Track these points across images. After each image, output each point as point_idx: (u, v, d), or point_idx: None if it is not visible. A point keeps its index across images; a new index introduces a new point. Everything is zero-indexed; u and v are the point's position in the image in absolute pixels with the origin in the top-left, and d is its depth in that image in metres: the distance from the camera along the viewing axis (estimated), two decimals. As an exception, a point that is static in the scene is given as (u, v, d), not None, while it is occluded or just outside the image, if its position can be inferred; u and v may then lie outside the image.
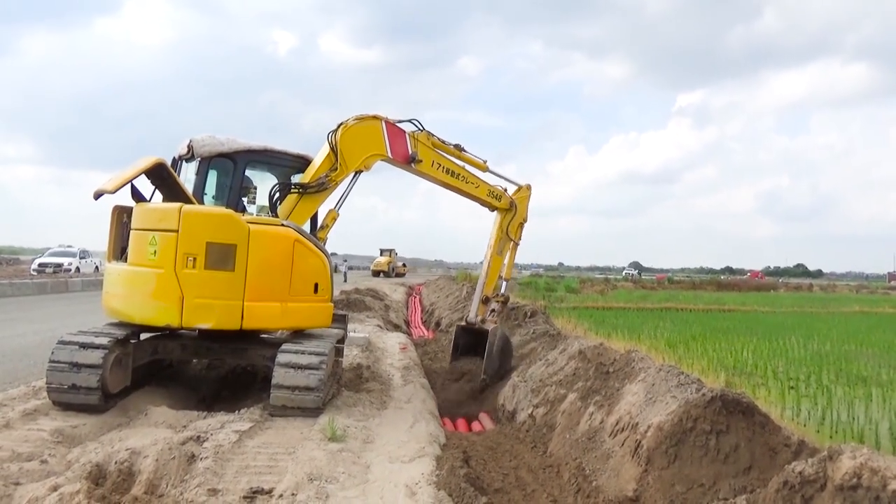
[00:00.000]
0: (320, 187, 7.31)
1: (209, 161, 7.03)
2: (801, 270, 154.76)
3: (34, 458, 4.63)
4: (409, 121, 8.28)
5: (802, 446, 4.39)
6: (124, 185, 6.34)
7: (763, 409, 4.86)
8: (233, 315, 6.28)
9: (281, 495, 4.10)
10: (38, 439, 5.08)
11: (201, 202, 7.01)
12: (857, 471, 3.06)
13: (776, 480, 3.55)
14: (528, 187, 10.06)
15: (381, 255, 61.31)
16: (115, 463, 4.48)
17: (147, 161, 6.37)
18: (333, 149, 7.38)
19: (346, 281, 39.07)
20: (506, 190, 9.82)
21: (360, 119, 7.66)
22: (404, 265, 66.39)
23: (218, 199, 7.19)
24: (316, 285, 6.85)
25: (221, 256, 6.21)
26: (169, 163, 6.69)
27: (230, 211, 6.59)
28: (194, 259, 6.16)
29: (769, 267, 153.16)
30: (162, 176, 6.46)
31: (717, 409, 4.56)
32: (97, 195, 6.40)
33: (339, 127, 7.49)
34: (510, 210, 9.76)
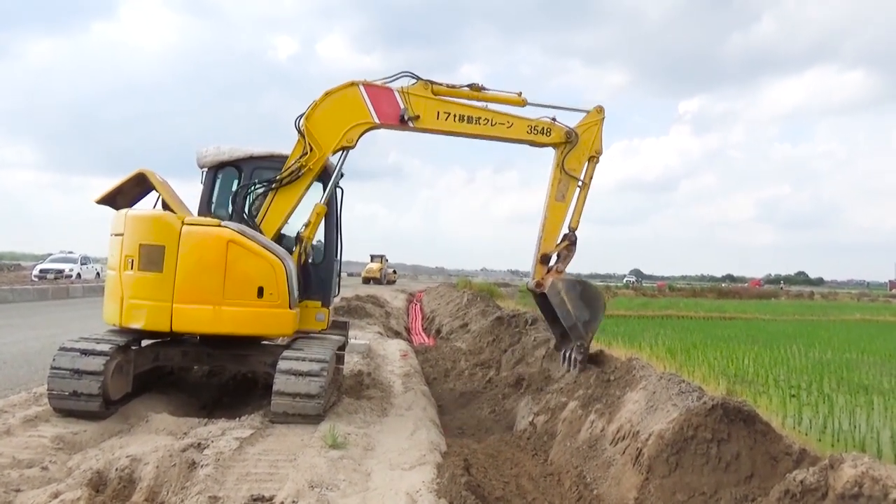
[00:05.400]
0: (293, 176, 6.91)
1: (215, 171, 7.17)
2: (802, 278, 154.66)
3: (35, 465, 4.63)
4: (402, 74, 7.33)
5: (804, 455, 4.38)
6: (107, 194, 7.11)
7: (764, 417, 4.85)
8: (162, 316, 6.31)
9: (282, 503, 4.10)
10: (38, 446, 5.08)
11: (209, 211, 7.04)
12: (859, 480, 3.06)
13: (777, 489, 3.55)
14: (599, 110, 8.04)
15: (372, 261, 58.24)
16: (116, 470, 4.49)
17: (132, 173, 7.03)
18: (300, 131, 6.89)
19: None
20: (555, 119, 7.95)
21: (331, 92, 7.00)
22: (394, 272, 64.30)
23: (225, 207, 7.23)
24: (261, 289, 6.40)
25: (151, 258, 6.31)
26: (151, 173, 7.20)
27: (163, 213, 6.75)
28: (133, 261, 6.37)
29: (770, 274, 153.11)
30: (144, 185, 6.96)
31: (718, 417, 4.55)
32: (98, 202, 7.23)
33: (308, 108, 6.99)
34: (567, 142, 7.85)
